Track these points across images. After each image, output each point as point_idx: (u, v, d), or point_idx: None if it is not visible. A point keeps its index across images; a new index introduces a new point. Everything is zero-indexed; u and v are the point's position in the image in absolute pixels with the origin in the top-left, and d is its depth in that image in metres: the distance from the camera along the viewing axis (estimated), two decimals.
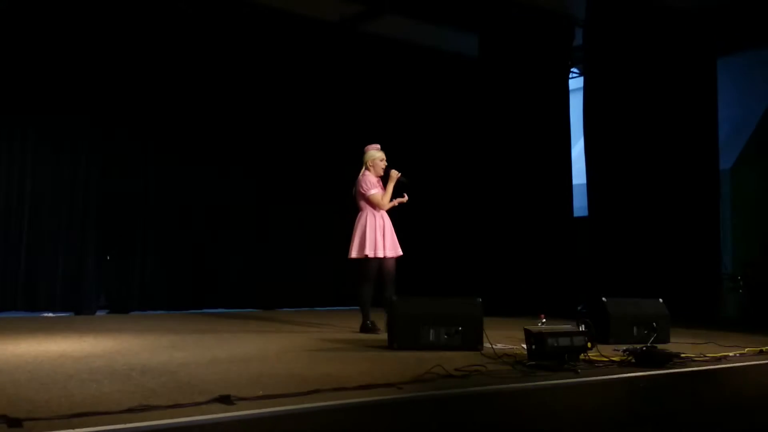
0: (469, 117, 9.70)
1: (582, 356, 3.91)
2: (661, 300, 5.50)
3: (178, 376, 3.38)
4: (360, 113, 9.46)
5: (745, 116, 9.17)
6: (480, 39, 9.24)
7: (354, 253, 5.97)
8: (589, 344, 3.96)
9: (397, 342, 4.62)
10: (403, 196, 6.17)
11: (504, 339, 5.09)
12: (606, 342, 4.83)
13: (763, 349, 4.70)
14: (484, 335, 4.63)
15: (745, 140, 9.11)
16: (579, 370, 3.63)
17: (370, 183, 6.06)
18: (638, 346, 4.08)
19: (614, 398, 3.49)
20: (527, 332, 3.98)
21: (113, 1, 7.82)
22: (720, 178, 8.31)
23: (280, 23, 8.72)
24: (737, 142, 9.12)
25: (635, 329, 5.13)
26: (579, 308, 5.31)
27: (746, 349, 4.68)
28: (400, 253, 6.07)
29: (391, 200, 6.12)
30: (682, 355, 4.12)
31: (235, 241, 8.73)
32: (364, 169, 6.15)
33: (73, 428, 2.26)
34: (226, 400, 2.67)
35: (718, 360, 4.21)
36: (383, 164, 6.15)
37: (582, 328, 4.11)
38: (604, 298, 5.28)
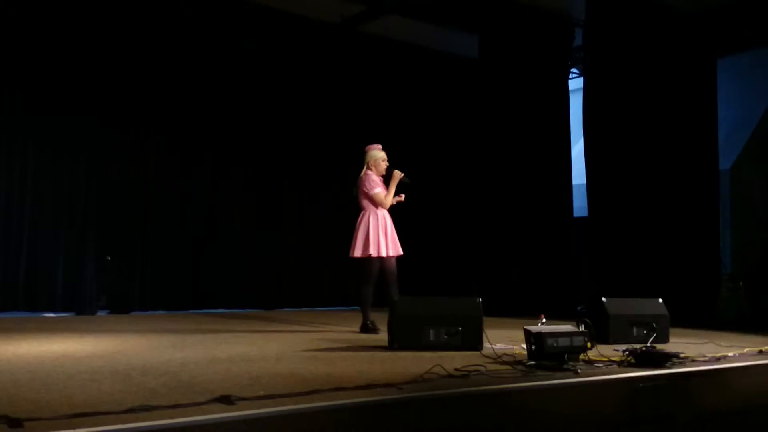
0: (469, 117, 9.70)
1: (582, 356, 3.92)
2: (660, 300, 5.49)
3: (178, 376, 3.39)
4: (361, 113, 9.48)
5: (745, 116, 9.18)
6: (480, 39, 9.26)
7: (357, 253, 5.97)
8: (588, 344, 3.97)
9: (397, 342, 4.63)
10: (399, 196, 6.19)
11: (504, 339, 5.09)
12: (605, 342, 4.83)
13: (763, 349, 4.70)
14: (484, 335, 4.64)
15: (745, 140, 9.12)
16: (578, 370, 3.63)
17: (374, 182, 6.07)
18: (638, 346, 4.08)
19: (614, 398, 3.49)
20: (527, 332, 3.98)
21: (113, 1, 7.83)
22: (720, 178, 8.30)
23: (280, 24, 8.72)
24: (737, 142, 9.13)
25: (635, 329, 5.13)
26: (579, 308, 5.32)
27: (746, 349, 4.69)
28: (401, 252, 6.09)
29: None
30: (682, 355, 4.11)
31: (235, 241, 8.74)
32: (365, 168, 6.15)
33: (74, 428, 2.26)
34: (226, 400, 2.68)
35: (718, 360, 4.20)
36: (385, 164, 6.16)
37: (581, 328, 4.11)
38: (603, 298, 5.29)
